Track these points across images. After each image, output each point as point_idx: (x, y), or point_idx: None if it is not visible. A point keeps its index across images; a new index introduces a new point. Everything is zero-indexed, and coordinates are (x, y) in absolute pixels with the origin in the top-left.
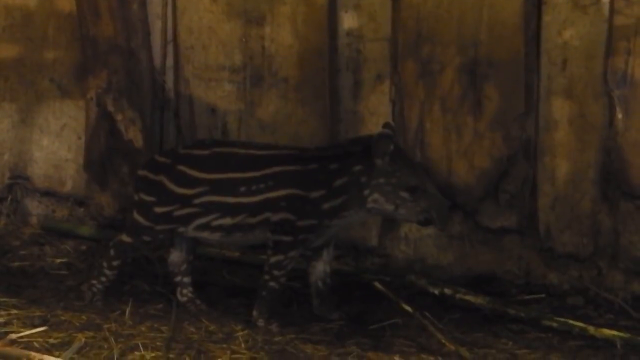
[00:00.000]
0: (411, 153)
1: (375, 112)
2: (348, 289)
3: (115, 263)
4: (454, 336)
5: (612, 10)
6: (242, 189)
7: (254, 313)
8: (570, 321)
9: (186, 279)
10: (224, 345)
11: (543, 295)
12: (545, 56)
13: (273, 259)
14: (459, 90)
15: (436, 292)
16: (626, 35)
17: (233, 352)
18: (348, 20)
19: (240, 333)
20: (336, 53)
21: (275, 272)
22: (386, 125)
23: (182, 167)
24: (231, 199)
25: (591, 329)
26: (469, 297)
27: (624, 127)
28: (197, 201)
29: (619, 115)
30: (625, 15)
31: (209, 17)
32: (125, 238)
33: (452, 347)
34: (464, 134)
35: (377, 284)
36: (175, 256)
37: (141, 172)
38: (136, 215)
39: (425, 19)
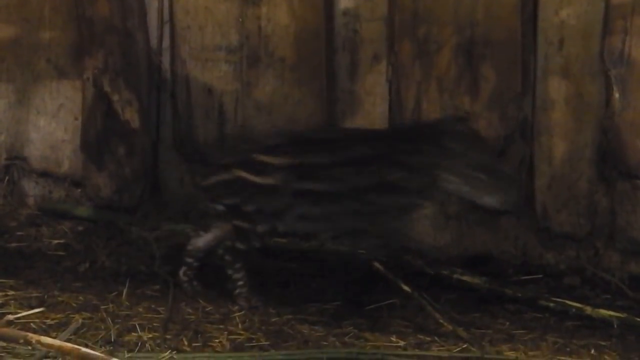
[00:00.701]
0: None
1: (371, 92)
2: (345, 269)
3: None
4: (451, 316)
5: None
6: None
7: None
8: (567, 301)
9: (196, 263)
10: (221, 326)
11: (540, 276)
12: (542, 35)
13: None
14: (456, 70)
15: (432, 272)
16: (623, 14)
17: (230, 332)
18: (344, 0)
19: (237, 314)
20: (333, 33)
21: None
22: None
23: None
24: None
25: (588, 309)
26: (465, 278)
27: (621, 107)
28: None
29: (616, 95)
30: None
31: None
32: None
33: (450, 327)
34: (460, 114)
35: (377, 264)
36: (202, 242)
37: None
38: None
39: None
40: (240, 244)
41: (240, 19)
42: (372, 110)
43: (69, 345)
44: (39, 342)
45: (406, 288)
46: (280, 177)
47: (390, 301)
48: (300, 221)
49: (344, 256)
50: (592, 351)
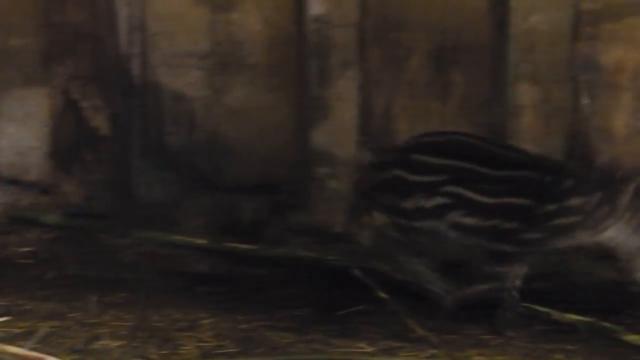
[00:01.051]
0: (378, 140)
1: (342, 98)
2: (314, 275)
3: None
4: (420, 322)
5: None
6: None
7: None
8: (535, 306)
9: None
10: (189, 334)
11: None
12: (511, 41)
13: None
14: (426, 76)
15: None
16: (592, 21)
17: (198, 340)
18: (315, 7)
19: (206, 321)
20: (304, 39)
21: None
22: None
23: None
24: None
25: (555, 314)
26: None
27: (589, 113)
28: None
29: (585, 101)
30: (591, 0)
31: (176, 4)
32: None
33: (422, 333)
34: (431, 119)
35: (355, 271)
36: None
37: None
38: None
39: (392, 5)
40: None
41: (212, 25)
42: (342, 116)
43: (34, 354)
44: (4, 351)
45: (383, 295)
46: (440, 177)
47: (361, 307)
48: (453, 228)
49: (315, 262)
50: (559, 355)
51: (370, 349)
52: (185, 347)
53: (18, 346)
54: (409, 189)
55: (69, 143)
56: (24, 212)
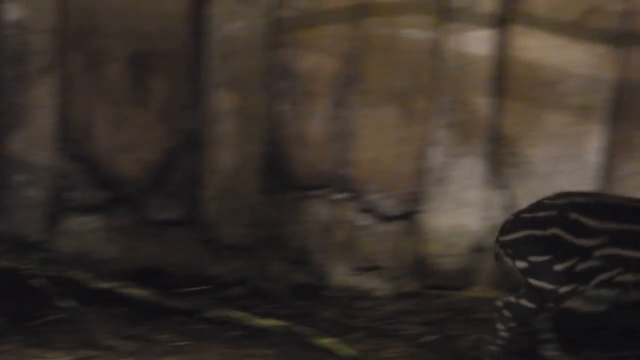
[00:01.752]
0: (77, 147)
1: (40, 105)
2: (11, 285)
3: (512, 324)
4: (118, 330)
5: (276, 4)
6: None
7: None
8: (230, 311)
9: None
10: None
11: (206, 287)
12: (210, 48)
13: None
14: (126, 82)
15: (101, 286)
16: (289, 28)
17: None
18: (12, 12)
19: None
20: (2, 45)
21: None
22: None
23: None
24: (633, 253)
25: (251, 319)
26: (132, 291)
27: (287, 119)
28: (597, 254)
29: (283, 107)
30: (288, 8)
31: None
32: (526, 303)
33: (112, 342)
34: (130, 126)
35: (34, 281)
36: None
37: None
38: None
39: (91, 10)
40: (531, 302)
41: None
42: (40, 123)
43: None
44: None
45: (69, 303)
46: (598, 240)
47: (56, 316)
48: (603, 286)
49: (10, 271)
50: None
51: (68, 358)
52: None
53: None
54: (566, 251)
55: None
56: None
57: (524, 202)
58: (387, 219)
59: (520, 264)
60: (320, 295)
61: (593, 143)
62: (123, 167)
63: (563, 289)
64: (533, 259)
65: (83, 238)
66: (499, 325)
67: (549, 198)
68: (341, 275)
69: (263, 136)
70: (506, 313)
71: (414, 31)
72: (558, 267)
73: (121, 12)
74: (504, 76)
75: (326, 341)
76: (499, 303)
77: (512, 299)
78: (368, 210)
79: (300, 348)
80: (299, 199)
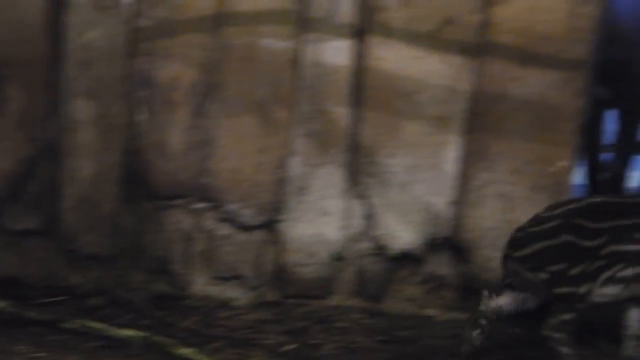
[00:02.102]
0: None
1: None
2: None
3: (571, 340)
4: None
5: (134, 12)
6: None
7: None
8: (88, 322)
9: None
10: None
11: (65, 297)
12: (68, 57)
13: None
14: None
15: None
16: (148, 37)
17: None
18: None
19: None
20: None
21: None
22: None
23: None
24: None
25: (110, 329)
26: None
27: (146, 128)
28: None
29: (142, 116)
30: (147, 17)
31: None
32: (566, 316)
33: None
34: None
35: None
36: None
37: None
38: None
39: None
40: (567, 314)
41: None
42: None
43: None
44: None
45: None
46: (602, 240)
47: None
48: (607, 283)
49: None
50: None
51: None
52: None
53: None
54: (578, 255)
55: None
56: None
57: (382, 212)
58: (248, 228)
59: (543, 276)
60: (181, 305)
61: (451, 152)
62: None
63: (582, 289)
64: (553, 268)
65: None
66: (564, 349)
67: (544, 212)
68: (202, 284)
69: (123, 145)
70: (559, 336)
71: (274, 41)
72: (574, 271)
73: None
74: (362, 86)
75: (186, 351)
76: (546, 333)
77: (552, 321)
78: (228, 219)
79: (161, 358)
80: (159, 209)
